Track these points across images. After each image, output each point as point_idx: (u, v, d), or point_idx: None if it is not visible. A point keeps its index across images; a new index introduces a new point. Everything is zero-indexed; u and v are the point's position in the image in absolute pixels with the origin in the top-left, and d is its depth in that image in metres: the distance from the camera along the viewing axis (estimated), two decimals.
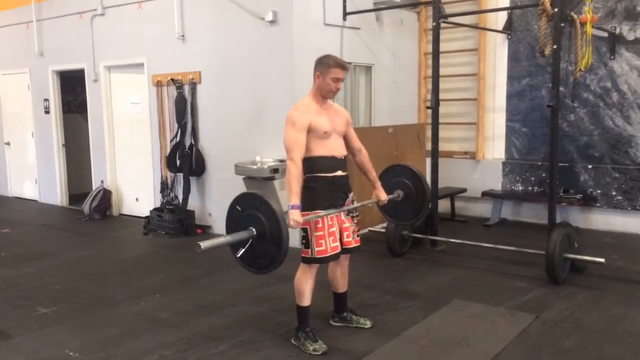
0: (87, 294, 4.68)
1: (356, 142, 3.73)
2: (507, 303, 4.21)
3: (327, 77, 3.39)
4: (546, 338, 3.61)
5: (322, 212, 3.39)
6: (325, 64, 3.42)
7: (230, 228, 3.23)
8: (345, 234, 3.56)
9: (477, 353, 3.41)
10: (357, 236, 3.66)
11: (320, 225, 3.40)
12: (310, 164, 3.41)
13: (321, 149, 3.42)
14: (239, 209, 3.18)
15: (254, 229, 3.10)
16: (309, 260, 3.45)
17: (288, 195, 3.25)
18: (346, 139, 3.65)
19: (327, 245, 3.41)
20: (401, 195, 4.10)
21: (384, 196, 3.85)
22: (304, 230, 3.42)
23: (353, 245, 3.62)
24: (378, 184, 3.85)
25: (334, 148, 3.49)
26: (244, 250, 3.14)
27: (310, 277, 3.48)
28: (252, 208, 3.12)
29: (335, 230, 3.46)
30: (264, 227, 3.06)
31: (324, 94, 3.46)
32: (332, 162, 3.46)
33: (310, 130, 3.37)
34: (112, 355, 3.50)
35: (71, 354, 3.53)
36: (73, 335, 3.82)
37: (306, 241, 3.43)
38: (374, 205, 4.10)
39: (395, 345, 3.55)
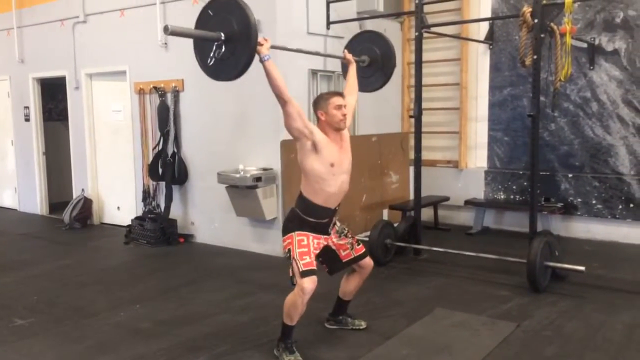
0: (65, 304, 4.60)
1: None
2: (489, 311, 4.22)
3: (329, 109, 3.43)
4: (527, 346, 3.62)
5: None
6: (322, 98, 3.52)
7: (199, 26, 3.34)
8: (341, 250, 3.63)
9: None
10: (358, 245, 3.70)
11: (305, 243, 3.39)
12: (304, 205, 3.44)
13: (321, 196, 3.41)
14: (210, 13, 3.23)
15: (222, 33, 3.17)
16: (294, 279, 3.37)
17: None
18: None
19: (312, 260, 3.38)
20: (367, 60, 4.17)
21: (349, 56, 4.12)
22: (288, 251, 3.42)
23: (354, 255, 3.67)
24: (344, 51, 4.25)
25: (335, 195, 3.47)
26: (214, 58, 3.23)
27: (301, 303, 3.33)
28: (225, 12, 3.18)
29: (317, 253, 3.48)
30: (233, 29, 3.15)
31: (335, 126, 3.46)
32: (325, 212, 3.46)
33: (316, 150, 3.35)
34: None
35: None
36: (50, 346, 3.75)
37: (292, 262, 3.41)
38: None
39: (377, 354, 3.53)
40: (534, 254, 4.56)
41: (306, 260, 3.34)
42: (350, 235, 3.69)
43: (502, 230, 7.01)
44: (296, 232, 3.41)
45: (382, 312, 4.23)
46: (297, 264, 3.34)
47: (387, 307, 4.34)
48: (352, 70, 4.10)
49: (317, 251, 3.48)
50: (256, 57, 3.25)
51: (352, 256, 3.66)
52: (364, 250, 3.72)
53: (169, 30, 3.11)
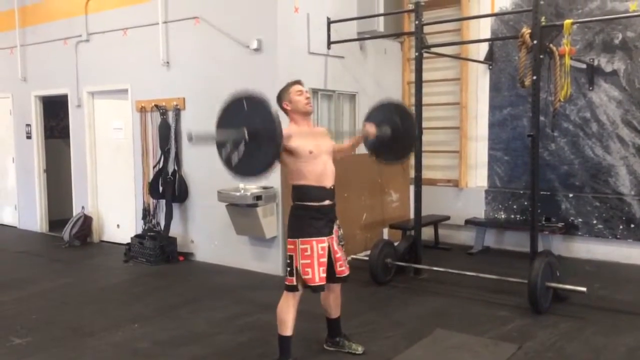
0: (64, 323, 4.56)
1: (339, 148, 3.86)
2: (490, 333, 4.19)
3: (292, 97, 3.53)
4: None
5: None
6: (282, 91, 3.61)
7: (222, 121, 3.35)
8: (338, 263, 3.60)
9: None
10: (347, 263, 3.71)
11: (308, 253, 3.39)
12: (299, 192, 3.48)
13: (310, 176, 3.43)
14: (245, 106, 3.20)
15: (245, 130, 3.13)
16: (292, 288, 3.43)
17: None
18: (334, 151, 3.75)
19: (315, 274, 3.38)
20: (388, 132, 4.00)
21: (372, 129, 3.79)
22: (289, 257, 3.44)
23: (346, 274, 3.66)
24: (365, 123, 3.89)
25: (324, 174, 3.48)
26: (237, 155, 3.22)
27: (292, 305, 3.43)
28: (252, 109, 3.16)
29: (325, 261, 3.45)
30: (257, 126, 3.10)
31: (302, 110, 3.54)
32: (321, 192, 3.48)
33: (295, 154, 3.41)
34: None
35: None
36: None
37: (291, 269, 3.44)
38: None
39: None
40: (535, 274, 4.53)
41: (308, 276, 3.36)
42: (344, 250, 3.69)
43: (502, 250, 6.98)
44: (300, 240, 3.41)
45: (382, 333, 4.20)
46: (297, 274, 3.40)
47: (387, 328, 4.31)
48: (358, 142, 3.95)
49: (324, 259, 3.43)
50: None
51: (345, 274, 3.64)
52: (348, 272, 3.69)
53: (192, 138, 3.21)
